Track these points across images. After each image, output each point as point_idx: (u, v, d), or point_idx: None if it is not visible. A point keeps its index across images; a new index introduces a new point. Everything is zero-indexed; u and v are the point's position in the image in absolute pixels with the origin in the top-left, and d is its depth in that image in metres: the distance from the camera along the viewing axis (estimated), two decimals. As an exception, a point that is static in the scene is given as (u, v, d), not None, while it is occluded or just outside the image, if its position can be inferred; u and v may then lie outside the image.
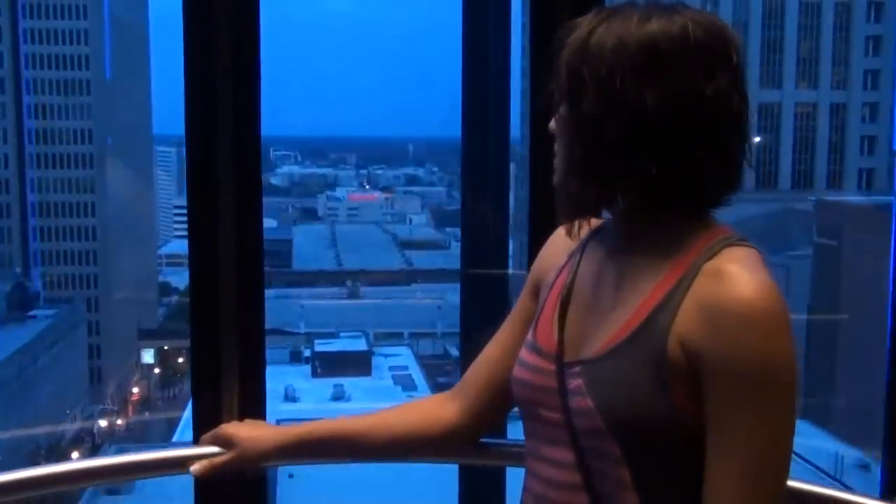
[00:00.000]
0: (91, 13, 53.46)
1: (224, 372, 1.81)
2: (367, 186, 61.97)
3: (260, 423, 1.69)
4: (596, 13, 1.29)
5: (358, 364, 38.04)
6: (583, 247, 1.41)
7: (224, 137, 1.78)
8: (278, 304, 39.73)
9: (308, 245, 48.55)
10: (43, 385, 42.78)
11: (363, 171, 63.71)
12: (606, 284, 1.33)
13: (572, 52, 1.27)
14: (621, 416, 1.24)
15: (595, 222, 1.42)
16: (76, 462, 1.66)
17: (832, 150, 49.49)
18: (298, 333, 42.88)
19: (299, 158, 65.35)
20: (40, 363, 43.88)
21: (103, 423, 50.87)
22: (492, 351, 1.55)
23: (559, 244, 1.47)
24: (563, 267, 1.43)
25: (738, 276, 1.20)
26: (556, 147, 1.34)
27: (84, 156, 51.00)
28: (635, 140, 1.23)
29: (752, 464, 1.18)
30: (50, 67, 51.38)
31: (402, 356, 43.73)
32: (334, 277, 44.35)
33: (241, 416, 1.81)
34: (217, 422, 1.72)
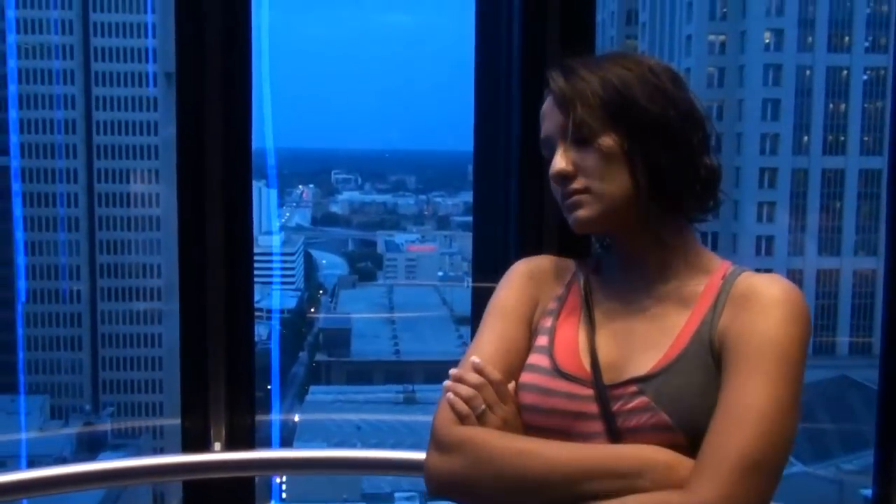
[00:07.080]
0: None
1: (212, 399, 2.01)
2: (427, 213, 59.47)
3: None
4: (583, 59, 1.40)
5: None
6: (582, 279, 1.47)
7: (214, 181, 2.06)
8: (335, 413, 38.38)
9: (366, 322, 47.10)
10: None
11: (422, 198, 61.59)
12: (640, 314, 1.41)
13: (604, 87, 1.35)
14: (699, 424, 1.29)
15: (563, 260, 1.51)
16: (93, 463, 1.96)
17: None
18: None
19: (360, 181, 63.62)
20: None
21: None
22: (498, 345, 1.45)
23: (544, 275, 1.50)
24: (566, 297, 1.47)
25: (774, 279, 1.35)
26: (587, 179, 1.36)
27: (153, 289, 51.89)
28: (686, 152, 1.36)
29: (752, 423, 1.25)
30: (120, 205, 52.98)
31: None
32: (391, 370, 43.10)
33: (230, 439, 1.99)
34: (205, 444, 1.95)
